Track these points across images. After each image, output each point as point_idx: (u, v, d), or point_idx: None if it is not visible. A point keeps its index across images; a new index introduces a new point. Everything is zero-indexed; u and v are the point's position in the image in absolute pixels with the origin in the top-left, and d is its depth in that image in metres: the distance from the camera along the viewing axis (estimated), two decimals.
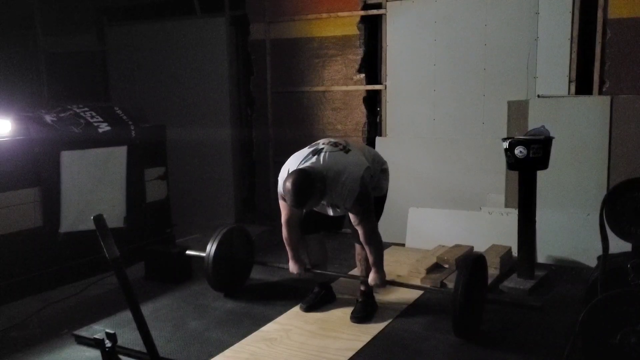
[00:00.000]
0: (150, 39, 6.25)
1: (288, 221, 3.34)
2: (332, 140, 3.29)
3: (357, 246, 3.41)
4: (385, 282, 3.29)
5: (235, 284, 3.92)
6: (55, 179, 4.04)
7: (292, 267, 3.50)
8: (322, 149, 3.16)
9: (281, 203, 3.28)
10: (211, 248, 3.70)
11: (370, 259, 3.24)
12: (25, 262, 3.87)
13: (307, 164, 3.09)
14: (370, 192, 3.18)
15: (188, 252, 4.06)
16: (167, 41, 6.15)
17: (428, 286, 3.74)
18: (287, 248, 3.45)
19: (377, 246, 3.21)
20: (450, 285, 3.50)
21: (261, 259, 4.12)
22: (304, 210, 3.30)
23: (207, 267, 3.70)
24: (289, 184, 2.91)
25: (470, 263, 3.07)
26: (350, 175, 3.04)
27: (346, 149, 3.18)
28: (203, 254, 3.75)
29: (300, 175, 2.93)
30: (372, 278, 3.27)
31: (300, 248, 3.51)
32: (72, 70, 6.58)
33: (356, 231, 3.27)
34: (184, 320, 3.45)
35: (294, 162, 3.17)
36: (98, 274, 4.20)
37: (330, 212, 3.23)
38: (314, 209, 3.26)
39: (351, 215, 3.13)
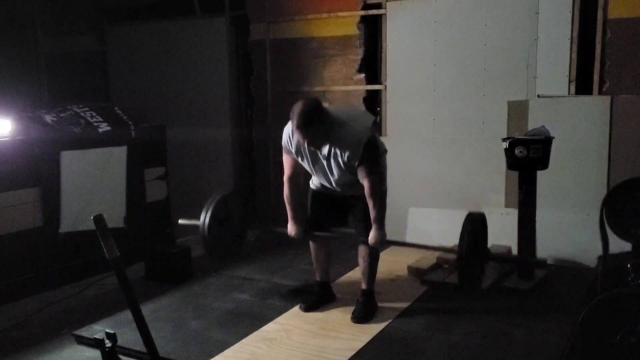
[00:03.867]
0: (150, 39, 6.24)
1: (290, 178, 3.36)
2: None
3: (361, 248, 3.42)
4: (385, 241, 3.28)
5: (232, 249, 3.82)
6: (55, 179, 4.04)
7: (291, 228, 3.47)
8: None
9: (285, 158, 3.31)
10: (206, 215, 3.53)
11: (372, 214, 3.19)
12: (25, 262, 3.87)
13: None
14: (378, 144, 3.22)
15: (181, 221, 3.83)
16: (167, 41, 6.14)
17: (438, 246, 3.79)
18: (287, 207, 3.43)
19: (381, 202, 3.19)
20: None
21: (261, 258, 4.11)
22: (307, 148, 3.16)
23: (202, 232, 3.52)
24: (297, 107, 2.98)
25: (475, 219, 3.26)
26: (358, 123, 3.13)
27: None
28: (197, 222, 3.57)
29: (310, 99, 3.08)
30: (372, 236, 3.22)
31: (300, 207, 3.48)
32: (72, 70, 6.58)
33: (359, 227, 3.29)
34: (184, 320, 3.45)
35: None
36: (98, 274, 4.20)
37: (334, 172, 3.19)
38: (323, 183, 3.28)
39: (359, 170, 3.11)
